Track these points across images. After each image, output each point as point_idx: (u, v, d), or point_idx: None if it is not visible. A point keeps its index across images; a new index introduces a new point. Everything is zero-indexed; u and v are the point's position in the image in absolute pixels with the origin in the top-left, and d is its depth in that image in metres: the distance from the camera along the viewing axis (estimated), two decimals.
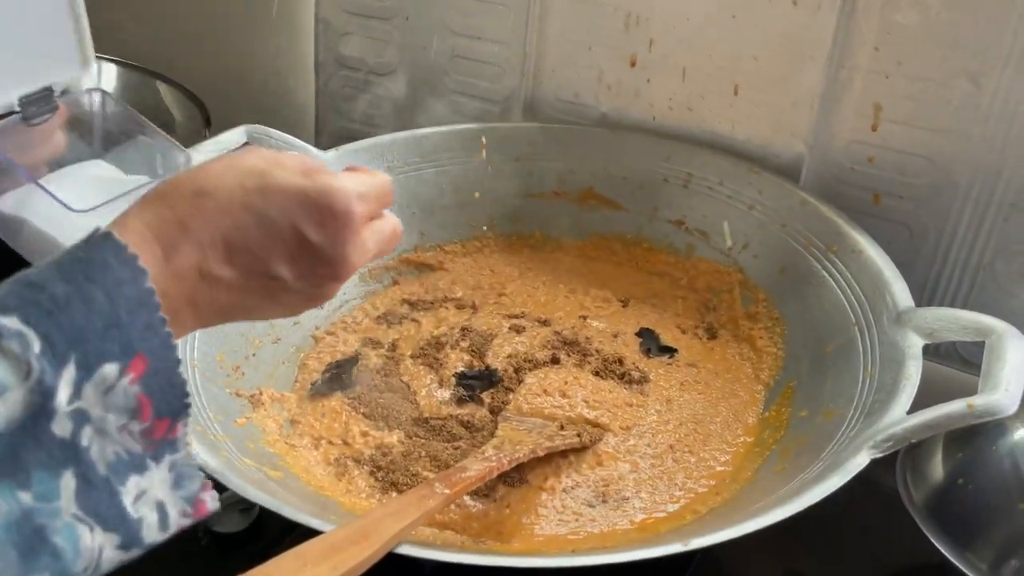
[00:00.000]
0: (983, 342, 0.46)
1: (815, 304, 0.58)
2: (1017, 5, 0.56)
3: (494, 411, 0.55)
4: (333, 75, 0.90)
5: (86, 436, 0.28)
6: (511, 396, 0.55)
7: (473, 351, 0.60)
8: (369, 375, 0.57)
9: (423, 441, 0.52)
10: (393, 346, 0.61)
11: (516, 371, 0.58)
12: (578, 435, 0.51)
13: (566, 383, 0.56)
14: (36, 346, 0.26)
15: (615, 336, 0.62)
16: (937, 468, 0.52)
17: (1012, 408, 0.40)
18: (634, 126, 0.74)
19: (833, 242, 0.59)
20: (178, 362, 0.29)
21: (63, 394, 0.27)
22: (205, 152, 0.61)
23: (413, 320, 0.64)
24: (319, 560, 0.34)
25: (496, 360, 0.59)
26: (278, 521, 0.40)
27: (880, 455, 0.41)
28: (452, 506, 0.47)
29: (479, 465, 0.44)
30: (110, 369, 0.28)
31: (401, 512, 0.39)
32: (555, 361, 0.59)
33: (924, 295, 0.65)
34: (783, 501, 0.39)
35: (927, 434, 0.42)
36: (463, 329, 0.62)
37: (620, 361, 0.59)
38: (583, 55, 0.74)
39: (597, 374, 0.58)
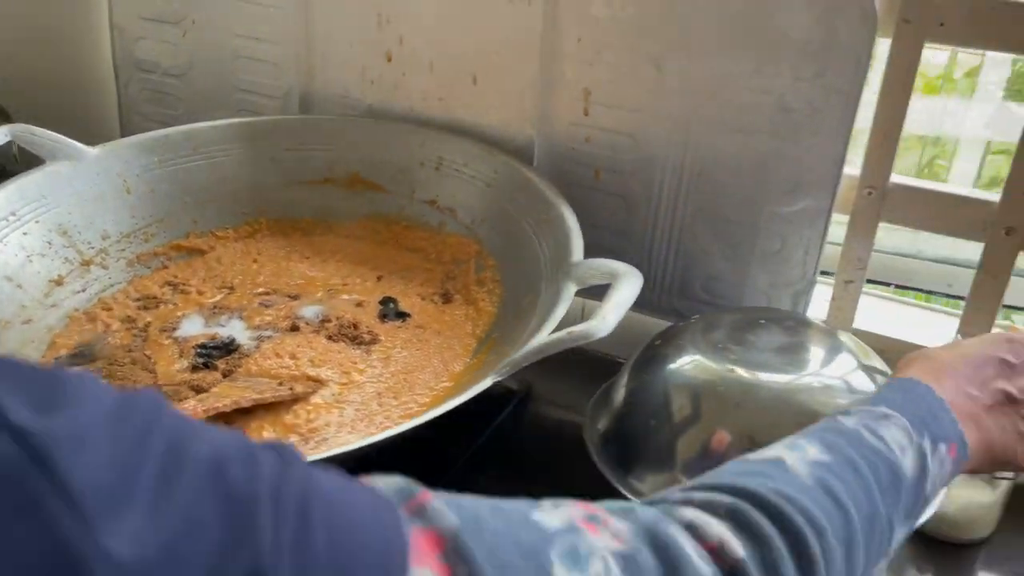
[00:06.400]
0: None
1: (523, 265, 0.65)
2: None
3: (227, 375, 0.60)
4: (132, 78, 0.93)
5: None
6: (243, 362, 0.60)
7: (220, 325, 0.65)
8: (112, 349, 0.62)
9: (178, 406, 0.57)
10: (146, 326, 0.65)
11: (257, 340, 0.63)
12: (290, 388, 0.57)
13: (299, 347, 0.61)
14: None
15: (358, 305, 0.68)
16: (618, 398, 0.59)
17: (602, 332, 0.47)
18: (398, 117, 0.80)
19: (543, 212, 0.67)
20: None
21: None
22: None
23: (172, 301, 0.69)
24: None
25: (238, 331, 0.64)
26: None
27: (500, 378, 0.48)
28: None
29: None
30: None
31: None
32: (294, 329, 0.64)
33: (644, 259, 0.73)
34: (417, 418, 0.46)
35: (537, 357, 0.49)
36: (216, 306, 0.67)
37: (355, 326, 0.65)
38: (346, 52, 0.80)
39: (330, 338, 0.63)
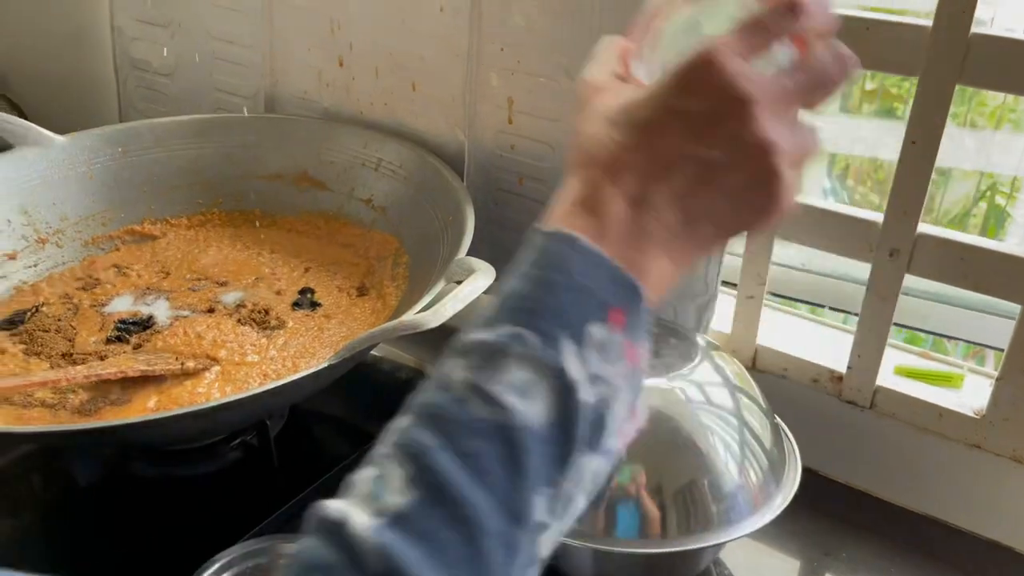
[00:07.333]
0: None
1: (428, 263, 0.68)
2: (595, 10, 0.65)
3: (136, 348, 0.64)
4: (129, 75, 1.01)
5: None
6: (154, 337, 0.65)
7: (146, 304, 0.70)
8: (43, 319, 0.67)
9: (63, 369, 0.62)
10: (80, 301, 0.71)
11: (174, 320, 0.67)
12: (182, 364, 0.61)
13: (207, 327, 0.66)
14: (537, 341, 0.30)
15: (278, 293, 0.72)
16: None
17: (432, 323, 0.49)
18: (350, 118, 0.84)
19: (452, 213, 0.69)
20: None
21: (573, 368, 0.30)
22: None
23: (112, 282, 0.74)
24: None
25: (161, 311, 0.68)
26: None
27: (336, 361, 0.51)
28: (50, 413, 0.57)
29: (47, 375, 0.54)
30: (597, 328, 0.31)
31: None
32: (211, 311, 0.68)
33: None
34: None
35: (369, 343, 0.51)
36: (149, 288, 0.72)
37: (266, 312, 0.68)
38: (305, 56, 0.85)
39: (240, 321, 0.67)
